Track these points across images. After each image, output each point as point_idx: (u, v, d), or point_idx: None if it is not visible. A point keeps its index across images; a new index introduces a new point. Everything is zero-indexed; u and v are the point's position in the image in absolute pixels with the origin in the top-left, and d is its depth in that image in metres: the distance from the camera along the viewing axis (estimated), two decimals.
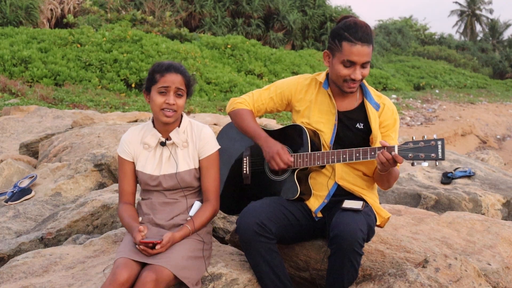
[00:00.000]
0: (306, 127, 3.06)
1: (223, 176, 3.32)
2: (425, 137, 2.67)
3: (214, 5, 32.21)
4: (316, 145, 3.03)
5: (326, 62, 3.03)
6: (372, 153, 2.79)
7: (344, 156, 2.88)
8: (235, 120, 3.26)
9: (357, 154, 2.84)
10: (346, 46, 2.86)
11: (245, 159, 3.25)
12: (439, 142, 2.64)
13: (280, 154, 2.98)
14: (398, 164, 2.99)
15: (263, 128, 3.23)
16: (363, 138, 3.04)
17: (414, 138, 2.71)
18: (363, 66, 2.90)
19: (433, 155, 2.64)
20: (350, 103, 3.09)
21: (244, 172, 3.23)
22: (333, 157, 2.92)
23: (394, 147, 2.72)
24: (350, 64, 2.89)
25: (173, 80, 2.89)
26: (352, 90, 2.98)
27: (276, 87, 3.25)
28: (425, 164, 2.66)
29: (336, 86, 3.02)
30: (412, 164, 2.70)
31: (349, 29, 2.87)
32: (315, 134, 3.07)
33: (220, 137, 3.42)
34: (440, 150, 2.63)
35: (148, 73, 2.99)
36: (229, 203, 3.31)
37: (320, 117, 3.09)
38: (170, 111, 2.91)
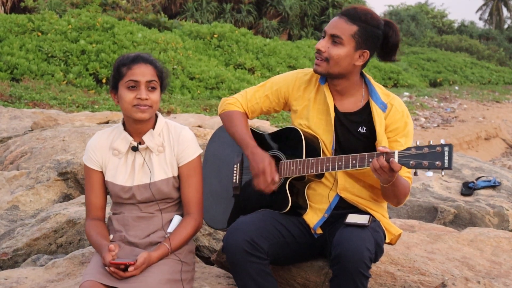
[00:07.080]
0: (304, 131, 3.08)
1: (212, 185, 3.32)
2: (431, 142, 2.66)
3: None
4: (315, 151, 3.04)
5: None
6: (370, 160, 2.78)
7: (340, 163, 2.88)
8: (224, 123, 3.27)
9: (354, 161, 2.84)
10: None
11: (235, 166, 3.27)
12: (446, 148, 2.60)
13: (265, 173, 2.96)
14: (409, 176, 2.99)
15: (256, 130, 3.23)
16: (367, 145, 3.02)
17: (418, 143, 2.70)
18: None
19: (438, 163, 2.60)
20: (354, 104, 3.09)
21: (234, 181, 3.24)
22: (327, 164, 2.92)
23: (394, 153, 2.71)
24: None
25: (143, 72, 2.87)
26: None
27: (272, 83, 3.26)
28: (430, 173, 2.64)
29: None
30: (415, 174, 2.69)
31: None
32: (314, 139, 3.07)
33: (212, 141, 3.44)
34: (447, 158, 2.59)
35: (112, 69, 2.96)
36: (217, 216, 3.31)
37: (319, 119, 3.09)
38: (145, 107, 2.88)
